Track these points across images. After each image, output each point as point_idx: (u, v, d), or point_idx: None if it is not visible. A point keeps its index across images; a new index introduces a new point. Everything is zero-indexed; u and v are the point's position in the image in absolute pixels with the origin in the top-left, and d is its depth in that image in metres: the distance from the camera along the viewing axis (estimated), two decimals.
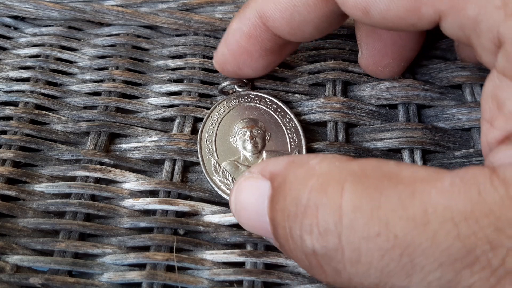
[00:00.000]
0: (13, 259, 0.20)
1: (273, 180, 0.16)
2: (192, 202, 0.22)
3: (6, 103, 0.26)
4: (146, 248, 0.21)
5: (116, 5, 0.30)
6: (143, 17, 0.29)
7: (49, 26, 0.30)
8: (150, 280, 0.20)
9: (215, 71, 0.26)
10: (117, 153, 0.24)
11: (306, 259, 0.15)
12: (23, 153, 0.24)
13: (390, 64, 0.25)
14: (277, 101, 0.25)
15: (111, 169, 0.23)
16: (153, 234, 0.21)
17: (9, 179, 0.23)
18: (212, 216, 0.22)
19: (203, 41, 0.29)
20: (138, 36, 0.29)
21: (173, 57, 0.28)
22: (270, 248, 0.21)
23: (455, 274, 0.13)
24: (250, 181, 0.17)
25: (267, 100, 0.25)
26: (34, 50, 0.28)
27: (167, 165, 0.23)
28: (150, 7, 0.30)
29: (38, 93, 0.26)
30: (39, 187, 0.23)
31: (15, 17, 0.30)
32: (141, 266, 0.20)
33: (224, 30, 0.28)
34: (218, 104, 0.25)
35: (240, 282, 0.20)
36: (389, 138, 0.24)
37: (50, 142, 0.24)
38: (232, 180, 0.22)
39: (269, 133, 0.24)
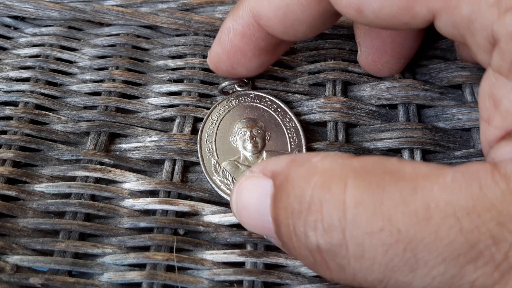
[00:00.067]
0: (13, 259, 0.20)
1: (275, 179, 0.16)
2: (192, 202, 0.22)
3: (6, 103, 0.26)
4: (146, 248, 0.21)
5: (116, 5, 0.30)
6: (143, 17, 0.29)
7: (49, 26, 0.30)
8: (150, 280, 0.20)
9: None
10: (117, 153, 0.24)
11: (311, 255, 0.15)
12: (23, 153, 0.24)
13: (390, 62, 0.25)
14: (277, 101, 0.25)
15: (111, 169, 0.23)
16: (153, 234, 0.21)
17: (9, 179, 0.23)
18: (212, 216, 0.22)
19: (203, 41, 0.29)
20: (138, 36, 0.29)
21: (173, 57, 0.28)
22: (270, 248, 0.21)
23: (459, 269, 0.13)
24: (251, 180, 0.17)
25: (267, 100, 0.25)
26: (34, 50, 0.28)
27: (167, 165, 0.23)
28: (150, 7, 0.30)
29: (38, 93, 0.26)
30: (39, 187, 0.23)
31: (15, 17, 0.30)
32: (141, 266, 0.20)
33: None
34: (218, 104, 0.25)
35: (240, 282, 0.20)
36: (389, 138, 0.24)
37: (50, 142, 0.24)
38: (232, 180, 0.22)
39: (269, 133, 0.24)
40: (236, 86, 0.25)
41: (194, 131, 0.25)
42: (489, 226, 0.13)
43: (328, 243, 0.14)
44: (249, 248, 0.21)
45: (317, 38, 0.28)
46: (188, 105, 0.25)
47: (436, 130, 0.24)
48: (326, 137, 0.24)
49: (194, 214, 0.22)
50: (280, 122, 0.24)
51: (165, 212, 0.22)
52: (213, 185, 0.22)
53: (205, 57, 0.28)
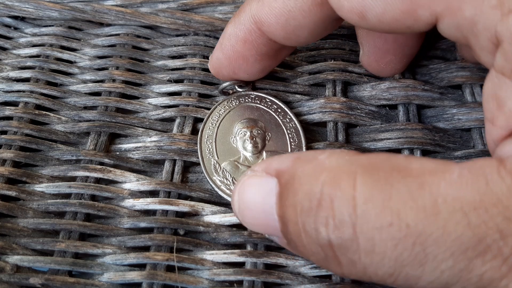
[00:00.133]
0: (13, 259, 0.20)
1: (280, 177, 0.16)
2: (192, 202, 0.22)
3: (6, 103, 0.26)
4: (146, 248, 0.21)
5: (116, 5, 0.30)
6: (143, 17, 0.29)
7: (49, 26, 0.30)
8: (150, 280, 0.20)
9: None
10: (117, 153, 0.24)
11: (322, 251, 0.15)
12: (23, 153, 0.24)
13: (392, 61, 0.25)
14: (277, 101, 0.25)
15: (111, 169, 0.23)
16: (153, 234, 0.21)
17: (9, 179, 0.23)
18: (212, 216, 0.22)
19: (203, 41, 0.29)
20: (138, 36, 0.29)
21: (173, 57, 0.28)
22: (270, 248, 0.21)
23: (467, 262, 0.13)
24: (254, 180, 0.17)
25: (267, 100, 0.25)
26: (34, 50, 0.28)
27: (167, 165, 0.23)
28: (150, 7, 0.30)
29: (38, 93, 0.26)
30: (39, 187, 0.23)
31: (15, 17, 0.30)
32: (141, 266, 0.20)
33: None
34: (218, 104, 0.25)
35: (240, 282, 0.20)
36: (389, 139, 0.24)
37: (50, 142, 0.24)
38: (232, 180, 0.22)
39: (269, 133, 0.24)
40: (236, 87, 0.25)
41: (194, 131, 0.25)
42: (496, 221, 0.13)
43: (339, 238, 0.15)
44: (249, 248, 0.21)
45: (312, 42, 0.28)
46: (188, 105, 0.25)
47: (436, 130, 0.24)
48: (326, 137, 0.24)
49: (194, 214, 0.22)
50: (280, 123, 0.24)
51: (165, 212, 0.22)
52: (213, 185, 0.22)
53: (205, 57, 0.28)
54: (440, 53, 0.27)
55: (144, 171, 0.24)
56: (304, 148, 0.23)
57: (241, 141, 0.23)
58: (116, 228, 0.21)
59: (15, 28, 0.30)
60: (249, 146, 0.23)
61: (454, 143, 0.24)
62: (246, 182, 0.17)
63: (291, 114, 0.24)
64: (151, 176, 0.24)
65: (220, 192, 0.22)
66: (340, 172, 0.15)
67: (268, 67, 0.24)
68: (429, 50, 0.27)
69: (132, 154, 0.24)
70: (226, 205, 0.22)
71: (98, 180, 0.23)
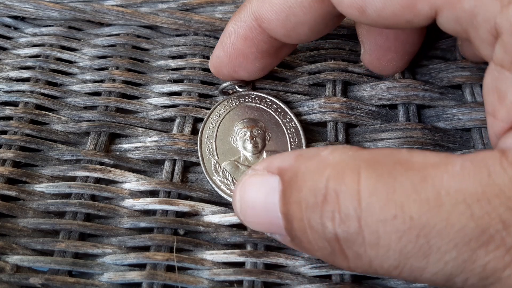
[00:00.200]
0: (13, 259, 0.20)
1: (283, 175, 0.16)
2: (192, 202, 0.22)
3: (6, 103, 0.26)
4: (146, 248, 0.21)
5: (116, 5, 0.30)
6: (143, 17, 0.29)
7: (49, 26, 0.30)
8: (150, 280, 0.20)
9: None
10: (117, 153, 0.24)
11: (329, 245, 0.15)
12: (23, 153, 0.24)
13: (394, 59, 0.25)
14: (277, 101, 0.25)
15: (111, 169, 0.23)
16: (153, 234, 0.21)
17: (9, 179, 0.23)
18: (212, 216, 0.22)
19: (203, 41, 0.29)
20: (138, 36, 0.29)
21: (173, 57, 0.28)
22: (270, 248, 0.21)
23: (471, 253, 0.13)
24: (255, 178, 0.17)
25: (267, 100, 0.25)
26: (34, 50, 0.28)
27: (167, 165, 0.23)
28: (150, 7, 0.30)
29: (38, 93, 0.26)
30: (39, 187, 0.23)
31: (15, 17, 0.30)
32: (141, 266, 0.20)
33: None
34: (218, 104, 0.25)
35: (240, 282, 0.20)
36: (389, 138, 0.24)
37: (50, 142, 0.24)
38: (232, 180, 0.22)
39: (269, 133, 0.24)
40: (236, 87, 0.25)
41: (194, 131, 0.25)
42: (499, 211, 0.13)
43: (345, 232, 0.15)
44: (249, 248, 0.21)
45: (317, 38, 0.28)
46: (188, 105, 0.25)
47: (436, 130, 0.24)
48: (326, 137, 0.24)
49: (194, 214, 0.22)
50: (281, 123, 0.24)
51: (165, 212, 0.22)
52: (213, 185, 0.22)
53: (205, 57, 0.28)
54: (440, 53, 0.27)
55: (144, 171, 0.24)
56: (304, 148, 0.23)
57: (241, 141, 0.23)
58: (116, 228, 0.22)
59: (15, 28, 0.30)
60: (249, 146, 0.23)
61: (454, 143, 0.24)
62: (247, 181, 0.17)
63: (291, 114, 0.24)
64: (151, 176, 0.24)
65: (220, 192, 0.22)
66: (344, 167, 0.15)
67: (268, 66, 0.24)
68: (429, 50, 0.27)
69: (132, 154, 0.24)
70: (226, 205, 0.22)
71: (98, 180, 0.23)
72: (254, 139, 0.23)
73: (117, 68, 0.27)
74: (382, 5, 0.17)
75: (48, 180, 0.23)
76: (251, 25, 0.22)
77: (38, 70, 0.27)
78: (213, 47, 0.28)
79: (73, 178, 0.23)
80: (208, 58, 0.28)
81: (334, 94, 0.26)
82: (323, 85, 0.26)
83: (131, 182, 0.23)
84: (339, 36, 0.28)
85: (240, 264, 0.21)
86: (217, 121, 0.24)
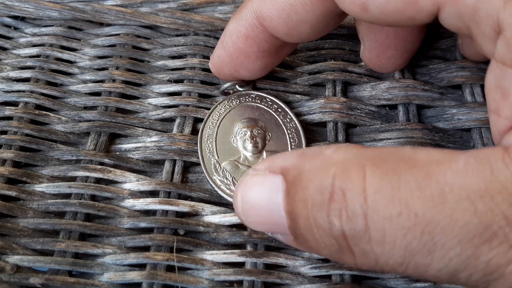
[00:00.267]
0: (13, 259, 0.20)
1: (286, 174, 0.16)
2: (192, 203, 0.22)
3: (6, 103, 0.26)
4: (146, 248, 0.21)
5: (116, 5, 0.30)
6: (143, 17, 0.29)
7: (49, 26, 0.30)
8: (150, 280, 0.20)
9: None
10: (117, 153, 0.24)
11: (337, 243, 0.15)
12: (23, 153, 0.24)
13: (394, 56, 0.25)
14: (277, 101, 0.25)
15: (111, 169, 0.23)
16: (153, 234, 0.21)
17: (9, 179, 0.23)
18: (212, 216, 0.22)
19: (203, 41, 0.29)
20: (138, 36, 0.29)
21: (173, 57, 0.28)
22: (270, 248, 0.21)
23: (474, 249, 0.14)
24: (257, 178, 0.17)
25: (268, 100, 0.25)
26: (34, 50, 0.28)
27: (167, 166, 0.23)
28: (150, 7, 0.30)
29: (38, 93, 0.26)
30: (39, 187, 0.23)
31: (15, 17, 0.30)
32: (141, 266, 0.20)
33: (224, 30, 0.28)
34: (219, 104, 0.25)
35: (240, 282, 0.20)
36: (389, 139, 0.24)
37: (50, 142, 0.24)
38: (232, 180, 0.22)
39: (270, 133, 0.24)
40: (237, 86, 0.25)
41: (194, 131, 0.25)
42: (502, 208, 0.13)
43: (352, 229, 0.15)
44: (249, 248, 0.21)
45: (318, 38, 0.28)
46: (188, 105, 0.25)
47: (436, 131, 0.24)
48: (326, 137, 0.24)
49: (194, 214, 0.22)
50: (281, 123, 0.24)
51: (165, 213, 0.22)
52: (213, 185, 0.22)
53: (205, 57, 0.28)
54: (440, 53, 0.27)
55: (144, 171, 0.24)
56: (305, 147, 0.23)
57: (242, 140, 0.23)
58: (116, 228, 0.22)
59: (15, 28, 0.30)
60: (249, 146, 0.23)
61: (454, 143, 0.24)
62: (249, 181, 0.17)
63: (291, 114, 0.24)
64: (151, 176, 0.24)
65: (220, 192, 0.22)
66: (349, 165, 0.15)
67: (269, 65, 0.24)
68: (429, 50, 0.27)
69: (132, 154, 0.24)
70: (226, 205, 0.22)
71: (98, 180, 0.23)
72: (255, 139, 0.23)
73: (117, 68, 0.27)
74: (385, 1, 0.17)
75: (48, 180, 0.23)
76: (252, 23, 0.22)
77: (38, 70, 0.27)
78: (213, 47, 0.28)
79: (73, 178, 0.23)
80: (208, 58, 0.28)
81: (334, 94, 0.26)
82: (323, 85, 0.26)
83: (131, 182, 0.23)
84: (339, 36, 0.28)
85: (240, 264, 0.21)
86: (217, 120, 0.24)
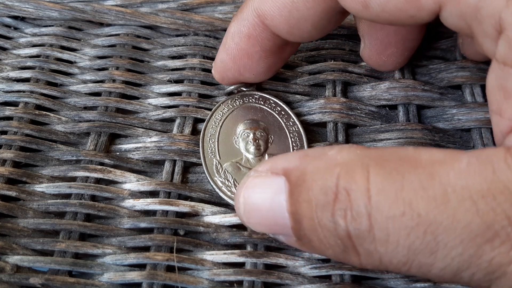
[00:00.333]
0: (13, 259, 0.20)
1: (289, 175, 0.16)
2: (192, 203, 0.22)
3: (6, 103, 0.26)
4: (146, 249, 0.21)
5: (116, 5, 0.30)
6: (143, 17, 0.29)
7: (49, 26, 0.30)
8: (150, 280, 0.20)
9: None
10: (117, 153, 0.24)
11: (342, 243, 0.16)
12: (24, 153, 0.24)
13: (394, 54, 0.25)
14: (281, 103, 0.24)
15: (112, 169, 0.23)
16: (153, 234, 0.21)
17: (10, 179, 0.23)
18: (212, 216, 0.22)
19: (203, 42, 0.29)
20: (138, 36, 0.29)
21: (173, 58, 0.28)
22: (270, 249, 0.21)
23: (476, 249, 0.14)
24: (259, 180, 0.17)
25: (271, 101, 0.25)
26: (34, 50, 0.28)
27: (167, 166, 0.23)
28: (150, 7, 0.30)
29: (38, 93, 0.26)
30: (40, 188, 0.23)
31: (15, 17, 0.30)
32: (141, 266, 0.20)
33: (224, 30, 0.28)
34: (222, 103, 0.25)
35: (240, 283, 0.20)
36: (389, 139, 0.24)
37: (51, 143, 0.24)
38: (234, 182, 0.22)
39: (272, 136, 0.23)
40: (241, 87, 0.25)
41: (194, 131, 0.25)
42: (504, 207, 0.13)
43: (357, 229, 0.15)
44: (249, 248, 0.21)
45: (319, 37, 0.28)
46: (188, 105, 0.25)
47: (436, 131, 0.24)
48: (326, 137, 0.24)
49: (194, 214, 0.22)
50: (284, 126, 0.24)
51: (165, 213, 0.22)
52: (214, 186, 0.22)
53: (205, 57, 0.28)
54: (440, 53, 0.27)
55: (144, 172, 0.24)
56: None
57: (244, 142, 0.23)
58: (116, 228, 0.22)
59: (15, 28, 0.30)
60: (251, 148, 0.23)
61: (454, 144, 0.24)
62: (251, 183, 0.17)
63: (294, 117, 0.24)
64: (151, 176, 0.24)
65: (220, 193, 0.22)
66: (353, 165, 0.15)
67: (273, 66, 0.24)
68: (429, 50, 0.27)
69: (132, 154, 0.24)
70: (226, 206, 0.22)
71: (98, 181, 0.23)
72: (257, 141, 0.23)
73: (117, 68, 0.27)
74: None
75: (48, 180, 0.23)
76: (254, 22, 0.22)
77: (38, 70, 0.27)
78: (214, 47, 0.28)
79: (73, 179, 0.23)
80: (208, 58, 0.28)
81: (334, 95, 0.26)
82: (323, 86, 0.26)
83: (131, 183, 0.23)
84: (339, 36, 0.28)
85: (240, 265, 0.21)
86: (220, 120, 0.24)
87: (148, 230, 0.22)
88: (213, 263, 0.21)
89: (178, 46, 0.29)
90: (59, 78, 0.27)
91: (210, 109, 0.25)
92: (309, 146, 0.24)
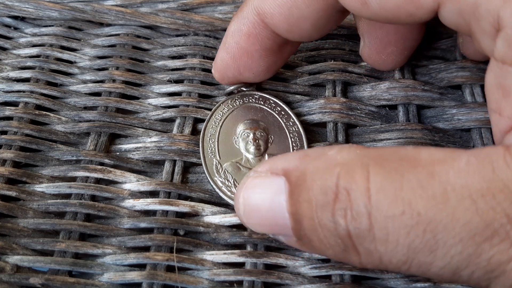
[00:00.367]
0: (13, 259, 0.20)
1: (289, 175, 0.16)
2: (192, 203, 0.22)
3: (6, 103, 0.26)
4: (146, 249, 0.21)
5: (116, 5, 0.30)
6: (143, 17, 0.29)
7: (49, 26, 0.30)
8: (150, 280, 0.20)
9: None
10: (117, 153, 0.24)
11: (342, 243, 0.16)
12: (24, 153, 0.24)
13: (394, 53, 0.25)
14: (281, 104, 0.24)
15: (112, 169, 0.23)
16: (153, 234, 0.21)
17: (10, 179, 0.23)
18: (212, 216, 0.22)
19: (203, 42, 0.29)
20: (138, 36, 0.29)
21: (173, 58, 0.28)
22: (270, 249, 0.21)
23: (476, 247, 0.14)
24: (259, 180, 0.17)
25: (271, 102, 0.25)
26: (34, 50, 0.28)
27: (167, 166, 0.23)
28: (150, 7, 0.30)
29: (39, 93, 0.26)
30: (40, 188, 0.23)
31: (15, 17, 0.30)
32: (141, 267, 0.20)
33: (224, 30, 0.28)
34: (222, 103, 0.25)
35: (240, 283, 0.20)
36: (389, 139, 0.24)
37: (51, 143, 0.24)
38: (234, 181, 0.22)
39: (272, 136, 0.23)
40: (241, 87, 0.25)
41: (194, 131, 0.25)
42: (503, 206, 0.13)
43: (357, 228, 0.15)
44: (249, 248, 0.21)
45: (319, 37, 0.28)
46: (188, 105, 0.25)
47: (436, 131, 0.24)
48: (326, 138, 0.24)
49: (194, 214, 0.22)
50: (284, 126, 0.24)
51: (165, 213, 0.22)
52: (214, 186, 0.22)
53: (205, 57, 0.28)
54: (440, 53, 0.27)
55: (144, 172, 0.24)
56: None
57: (244, 142, 0.23)
58: (116, 228, 0.22)
59: (15, 28, 0.30)
60: (251, 148, 0.23)
61: (454, 144, 0.24)
62: (250, 184, 0.17)
63: (294, 118, 0.24)
64: (151, 176, 0.24)
65: (220, 193, 0.22)
66: (353, 165, 0.15)
67: (273, 66, 0.24)
68: (429, 50, 0.27)
69: (132, 154, 0.24)
70: (226, 206, 0.22)
71: (98, 181, 0.23)
72: (257, 141, 0.23)
73: (117, 68, 0.27)
74: None
75: (48, 180, 0.23)
76: (253, 20, 0.22)
77: (38, 70, 0.27)
78: (214, 47, 0.28)
79: (73, 179, 0.23)
80: (208, 58, 0.28)
81: (334, 95, 0.26)
82: (323, 86, 0.26)
83: (131, 183, 0.23)
84: (339, 36, 0.28)
85: (240, 265, 0.21)
86: (220, 120, 0.24)
87: (148, 230, 0.22)
88: (213, 263, 0.21)
89: (178, 46, 0.29)
90: (59, 78, 0.27)
91: (210, 109, 0.25)
92: (309, 146, 0.24)
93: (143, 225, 0.21)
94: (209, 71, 0.27)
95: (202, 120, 0.25)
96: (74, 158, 0.24)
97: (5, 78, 0.27)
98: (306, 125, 0.25)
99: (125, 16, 0.29)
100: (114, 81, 0.27)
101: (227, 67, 0.23)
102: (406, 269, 0.15)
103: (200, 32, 0.29)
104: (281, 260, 0.20)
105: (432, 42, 0.27)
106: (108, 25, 0.30)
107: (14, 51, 0.29)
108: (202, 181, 0.23)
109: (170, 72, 0.27)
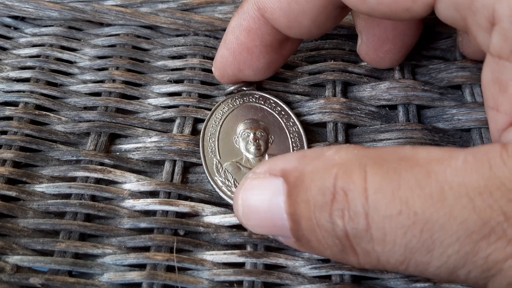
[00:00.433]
0: (13, 259, 0.20)
1: (287, 176, 0.16)
2: (192, 203, 0.22)
3: (6, 103, 0.26)
4: (146, 249, 0.21)
5: (116, 5, 0.30)
6: (143, 17, 0.29)
7: (49, 26, 0.30)
8: (150, 280, 0.20)
9: None
10: (117, 153, 0.24)
11: (340, 243, 0.16)
12: (24, 153, 0.24)
13: (391, 50, 0.25)
14: (281, 103, 0.24)
15: (112, 169, 0.23)
16: (153, 234, 0.21)
17: (10, 179, 0.23)
18: (212, 217, 0.22)
19: (203, 42, 0.29)
20: (138, 36, 0.29)
21: (173, 58, 0.28)
22: (270, 249, 0.21)
23: (473, 245, 0.14)
24: (257, 181, 0.17)
25: (271, 101, 0.25)
26: (34, 50, 0.28)
27: (167, 166, 0.23)
28: (150, 7, 0.30)
29: (38, 93, 0.26)
30: (40, 188, 0.23)
31: (15, 17, 0.30)
32: (141, 267, 0.20)
33: (224, 30, 0.28)
34: (222, 102, 0.25)
35: (240, 283, 0.20)
36: (389, 139, 0.24)
37: (51, 143, 0.24)
38: (234, 181, 0.22)
39: (272, 136, 0.23)
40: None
41: (194, 131, 0.25)
42: (500, 204, 0.13)
43: (354, 228, 0.15)
44: (249, 248, 0.21)
45: (317, 38, 0.28)
46: (188, 106, 0.25)
47: (436, 131, 0.24)
48: (326, 138, 0.24)
49: (194, 215, 0.22)
50: (284, 126, 0.24)
51: (165, 213, 0.22)
52: (214, 186, 0.22)
53: (205, 57, 0.28)
54: (440, 53, 0.27)
55: (144, 172, 0.24)
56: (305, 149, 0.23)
57: (244, 142, 0.23)
58: (116, 228, 0.22)
59: (15, 28, 0.30)
60: (252, 148, 0.23)
61: (454, 144, 0.24)
62: (249, 185, 0.17)
63: (294, 118, 0.24)
64: (151, 176, 0.24)
65: (220, 193, 0.22)
66: (350, 165, 0.15)
67: (273, 63, 0.24)
68: (429, 50, 0.27)
69: (132, 154, 0.24)
70: (226, 206, 0.22)
71: (98, 181, 0.23)
72: (257, 141, 0.23)
73: (117, 68, 0.27)
74: None
75: (48, 180, 0.23)
76: (254, 15, 0.22)
77: (38, 70, 0.27)
78: (214, 47, 0.28)
79: (73, 179, 0.23)
80: (208, 58, 0.28)
81: (334, 95, 0.26)
82: (323, 86, 0.26)
83: (131, 183, 0.23)
84: (339, 36, 0.28)
85: (240, 265, 0.21)
86: (220, 119, 0.24)
87: (148, 230, 0.22)
88: (213, 263, 0.21)
89: (178, 46, 0.29)
90: (59, 78, 0.27)
91: (210, 109, 0.25)
92: (309, 146, 0.24)
93: (143, 225, 0.21)
94: (209, 71, 0.27)
95: (202, 120, 0.25)
96: (74, 158, 0.24)
97: (5, 78, 0.27)
98: (306, 125, 0.25)
99: (125, 16, 0.29)
100: (114, 81, 0.27)
101: (227, 64, 0.23)
102: (404, 269, 0.15)
103: (200, 32, 0.29)
104: (281, 260, 0.20)
105: (432, 42, 0.27)
106: (108, 25, 0.30)
107: (14, 51, 0.29)
108: (202, 181, 0.23)
109: (170, 72, 0.27)
